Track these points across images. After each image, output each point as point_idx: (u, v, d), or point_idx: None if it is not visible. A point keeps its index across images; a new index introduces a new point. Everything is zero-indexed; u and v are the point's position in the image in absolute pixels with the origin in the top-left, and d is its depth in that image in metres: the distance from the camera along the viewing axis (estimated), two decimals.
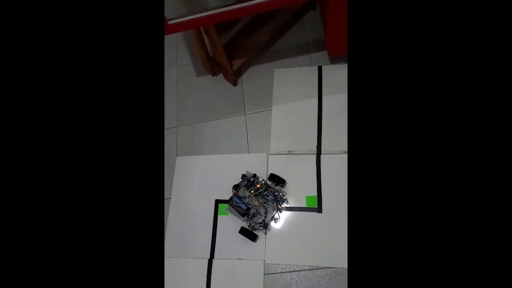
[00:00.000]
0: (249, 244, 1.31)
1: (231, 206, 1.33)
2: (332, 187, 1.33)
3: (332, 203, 1.31)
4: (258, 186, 1.33)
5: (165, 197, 1.47)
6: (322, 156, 1.39)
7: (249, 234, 1.30)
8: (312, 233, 1.29)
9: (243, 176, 1.37)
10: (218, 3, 1.10)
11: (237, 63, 1.54)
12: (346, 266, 1.21)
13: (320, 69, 1.55)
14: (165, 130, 1.61)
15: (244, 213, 1.30)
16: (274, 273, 1.27)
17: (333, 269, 1.23)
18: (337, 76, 1.51)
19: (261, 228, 1.30)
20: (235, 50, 1.55)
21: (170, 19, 1.11)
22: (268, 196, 1.33)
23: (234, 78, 1.59)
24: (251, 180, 1.35)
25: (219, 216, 1.39)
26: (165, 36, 1.26)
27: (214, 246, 1.35)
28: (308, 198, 1.34)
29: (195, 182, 1.47)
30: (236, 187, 1.35)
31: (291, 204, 1.34)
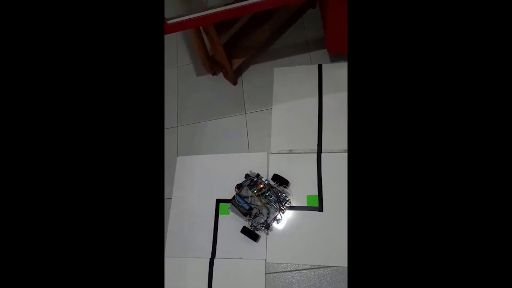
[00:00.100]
0: (250, 244, 1.31)
1: (234, 205, 1.33)
2: (333, 186, 1.33)
3: (333, 202, 1.31)
4: (261, 186, 1.33)
5: (166, 197, 1.47)
6: (322, 155, 1.38)
7: (250, 234, 1.30)
8: (313, 232, 1.29)
9: (247, 175, 1.37)
10: (217, 2, 1.10)
11: (237, 62, 1.53)
12: (347, 265, 1.21)
13: (320, 67, 1.54)
14: (166, 130, 1.61)
15: (247, 212, 1.30)
16: (276, 272, 1.27)
17: (335, 268, 1.23)
18: (337, 75, 1.51)
19: (263, 228, 1.29)
20: (235, 49, 1.55)
21: (170, 19, 1.11)
22: (271, 197, 1.32)
23: (234, 77, 1.58)
24: (254, 180, 1.35)
25: (220, 216, 1.39)
26: (165, 36, 1.26)
27: (216, 246, 1.35)
28: (309, 197, 1.33)
29: (196, 182, 1.47)
30: (239, 187, 1.35)
31: (292, 203, 1.34)
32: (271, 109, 1.52)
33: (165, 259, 1.37)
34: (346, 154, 1.36)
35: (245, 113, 1.55)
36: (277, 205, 1.31)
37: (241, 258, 1.30)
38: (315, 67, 1.55)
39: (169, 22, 1.11)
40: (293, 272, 1.26)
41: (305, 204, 1.33)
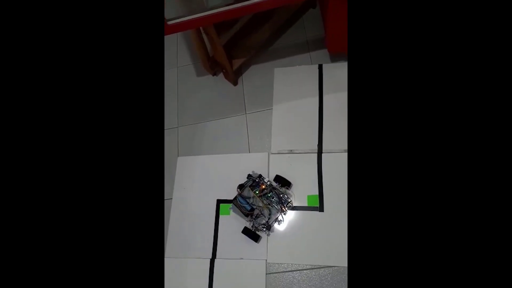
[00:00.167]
0: (251, 244, 1.31)
1: (235, 205, 1.33)
2: (334, 186, 1.33)
3: (333, 202, 1.31)
4: (263, 187, 1.33)
5: (166, 198, 1.48)
6: (323, 155, 1.38)
7: (252, 234, 1.30)
8: (314, 232, 1.28)
9: (249, 176, 1.37)
10: (217, 2, 1.10)
11: (237, 62, 1.53)
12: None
13: (320, 67, 1.54)
14: (166, 130, 1.61)
15: (248, 213, 1.30)
16: (276, 273, 1.27)
17: (335, 268, 1.23)
18: (338, 74, 1.51)
19: (264, 229, 1.29)
20: (235, 50, 1.54)
21: (170, 20, 1.11)
22: (272, 198, 1.32)
23: (234, 77, 1.58)
24: (257, 180, 1.35)
25: (220, 216, 1.39)
26: (165, 36, 1.26)
27: (216, 246, 1.35)
28: (309, 197, 1.33)
29: (196, 182, 1.47)
30: (241, 187, 1.35)
31: (293, 203, 1.34)
32: (271, 109, 1.52)
33: (166, 259, 1.37)
34: (346, 154, 1.36)
35: (246, 113, 1.55)
36: (279, 206, 1.31)
37: (241, 259, 1.30)
38: (315, 67, 1.55)
39: (169, 23, 1.11)
40: (294, 272, 1.26)
41: (306, 204, 1.33)
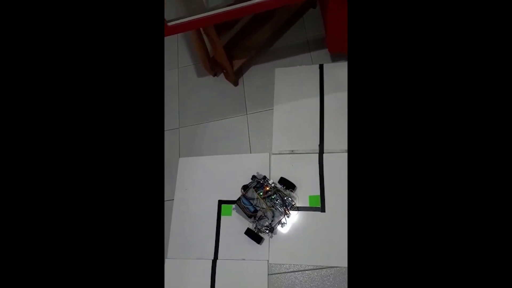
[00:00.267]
0: (253, 245, 1.31)
1: (239, 206, 1.32)
2: (335, 186, 1.33)
3: (335, 202, 1.31)
4: (267, 188, 1.32)
5: (168, 199, 1.48)
6: (324, 155, 1.38)
7: (254, 236, 1.30)
8: (316, 232, 1.28)
9: (253, 177, 1.37)
10: (218, 2, 1.10)
11: (237, 63, 1.53)
12: None
13: (321, 67, 1.54)
14: (167, 131, 1.61)
15: (251, 215, 1.30)
16: (278, 273, 1.27)
17: (337, 268, 1.23)
18: (339, 74, 1.51)
19: (267, 231, 1.29)
20: (236, 50, 1.54)
21: (170, 21, 1.10)
22: (276, 200, 1.32)
23: (235, 78, 1.58)
24: (261, 181, 1.34)
25: (222, 217, 1.39)
26: (165, 37, 1.26)
27: (218, 247, 1.35)
28: (311, 197, 1.33)
29: (198, 183, 1.47)
30: (245, 188, 1.34)
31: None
32: (272, 109, 1.52)
33: (168, 260, 1.37)
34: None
35: (246, 114, 1.55)
36: (282, 208, 1.31)
37: (243, 259, 1.30)
38: (316, 67, 1.55)
39: (170, 24, 1.11)
40: (296, 272, 1.26)
41: (307, 205, 1.33)
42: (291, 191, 1.34)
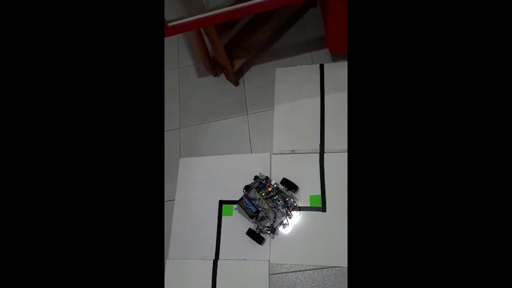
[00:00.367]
0: (254, 245, 1.31)
1: (241, 206, 1.32)
2: (336, 186, 1.32)
3: (336, 202, 1.31)
4: (270, 189, 1.32)
5: (169, 199, 1.48)
6: (325, 155, 1.38)
7: (256, 236, 1.30)
8: (317, 232, 1.28)
9: (256, 177, 1.37)
10: (218, 3, 1.10)
11: (238, 63, 1.53)
12: None
13: (322, 67, 1.54)
14: (167, 132, 1.61)
15: (253, 215, 1.30)
16: (279, 273, 1.27)
17: (338, 268, 1.23)
18: (339, 74, 1.50)
19: (269, 232, 1.29)
20: (236, 50, 1.54)
21: (170, 21, 1.10)
22: (278, 201, 1.32)
23: (235, 78, 1.58)
24: (263, 182, 1.34)
25: (223, 217, 1.39)
26: (166, 37, 1.26)
27: (219, 247, 1.35)
28: (312, 197, 1.33)
29: (199, 183, 1.47)
30: (247, 188, 1.34)
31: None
32: (273, 109, 1.52)
33: (169, 260, 1.37)
34: None
35: (247, 114, 1.55)
36: (284, 210, 1.31)
37: (244, 259, 1.30)
38: (316, 67, 1.54)
39: (170, 24, 1.11)
40: (297, 272, 1.26)
41: (308, 205, 1.33)
42: (293, 192, 1.34)
